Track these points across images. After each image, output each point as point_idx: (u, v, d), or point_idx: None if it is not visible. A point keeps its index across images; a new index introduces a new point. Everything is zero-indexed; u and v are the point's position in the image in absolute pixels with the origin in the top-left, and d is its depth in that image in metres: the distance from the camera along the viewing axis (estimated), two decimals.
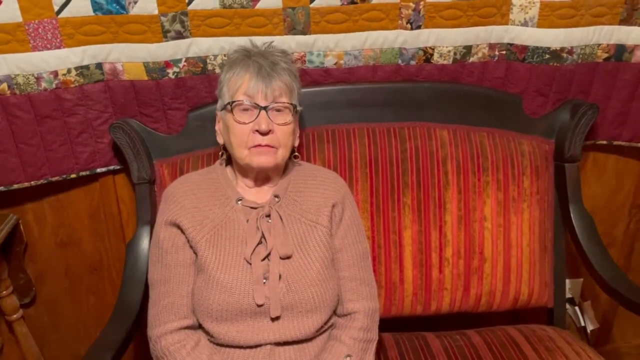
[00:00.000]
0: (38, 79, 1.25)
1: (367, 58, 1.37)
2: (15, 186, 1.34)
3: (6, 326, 1.54)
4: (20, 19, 1.19)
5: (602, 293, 1.40)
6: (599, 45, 1.39)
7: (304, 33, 1.31)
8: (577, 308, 1.74)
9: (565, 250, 1.46)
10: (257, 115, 1.08)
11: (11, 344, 1.57)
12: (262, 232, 1.09)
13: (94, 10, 1.22)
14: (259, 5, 1.26)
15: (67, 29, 1.23)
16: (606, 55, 1.40)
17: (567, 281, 1.60)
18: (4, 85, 1.24)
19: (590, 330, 1.72)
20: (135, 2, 1.22)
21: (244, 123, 1.08)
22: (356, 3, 1.29)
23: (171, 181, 1.23)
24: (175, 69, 1.31)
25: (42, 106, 1.28)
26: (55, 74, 1.26)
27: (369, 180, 1.35)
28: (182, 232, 1.10)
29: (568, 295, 1.67)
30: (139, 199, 1.34)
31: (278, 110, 1.10)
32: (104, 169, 1.40)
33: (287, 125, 1.11)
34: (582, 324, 1.73)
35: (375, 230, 1.36)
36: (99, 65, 1.29)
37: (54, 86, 1.27)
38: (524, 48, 1.37)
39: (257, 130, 1.07)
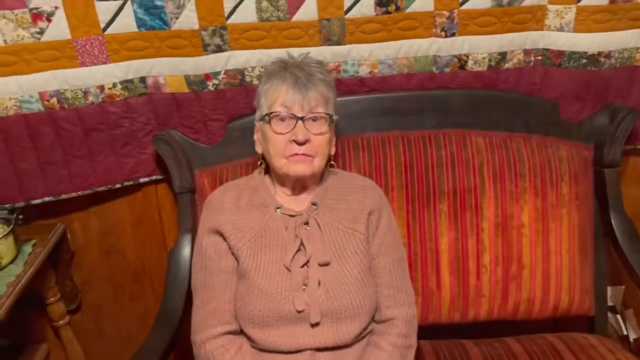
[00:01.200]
0: (85, 93, 1.30)
1: (401, 66, 1.38)
2: (64, 196, 1.39)
3: (53, 332, 1.59)
4: (69, 36, 1.24)
5: None
6: (638, 48, 1.37)
7: (339, 43, 1.33)
8: (618, 316, 1.70)
9: (606, 257, 1.44)
10: (294, 126, 1.10)
11: (58, 349, 1.61)
12: (300, 239, 1.11)
13: (138, 27, 1.27)
14: (295, 18, 1.29)
15: (112, 45, 1.28)
16: None
17: (609, 289, 1.57)
18: (54, 100, 1.30)
19: (633, 339, 1.68)
20: (177, 18, 1.26)
21: (282, 133, 1.11)
22: (390, 13, 1.31)
23: (211, 190, 1.25)
24: (215, 81, 1.34)
25: (89, 119, 1.33)
26: (102, 88, 1.31)
27: (404, 188, 1.36)
28: (224, 239, 1.12)
29: (609, 303, 1.64)
30: (180, 208, 1.38)
31: (314, 120, 1.12)
32: (146, 179, 1.45)
33: (323, 135, 1.12)
34: (624, 333, 1.69)
35: (411, 237, 1.36)
36: (143, 79, 1.33)
37: (100, 100, 1.32)
38: (560, 53, 1.36)
39: (294, 140, 1.10)
